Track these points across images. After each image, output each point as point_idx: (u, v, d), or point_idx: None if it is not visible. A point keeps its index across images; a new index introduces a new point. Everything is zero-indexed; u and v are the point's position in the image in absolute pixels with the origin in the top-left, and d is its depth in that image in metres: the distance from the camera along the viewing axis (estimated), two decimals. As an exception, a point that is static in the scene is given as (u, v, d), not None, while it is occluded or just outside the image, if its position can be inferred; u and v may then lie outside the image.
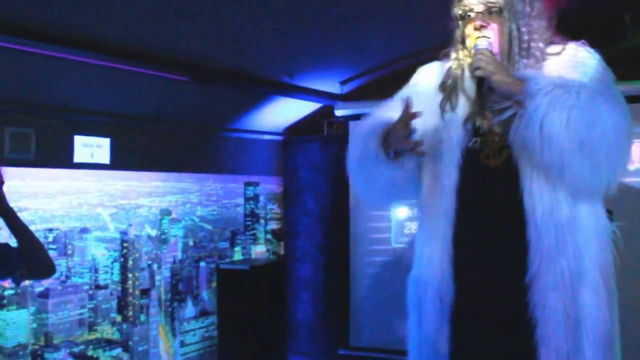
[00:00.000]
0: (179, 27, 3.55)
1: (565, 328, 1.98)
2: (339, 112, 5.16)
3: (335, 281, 5.38)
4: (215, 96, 4.55)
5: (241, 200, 5.38)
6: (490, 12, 2.11)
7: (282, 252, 5.69)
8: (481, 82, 2.07)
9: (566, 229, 1.99)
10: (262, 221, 5.58)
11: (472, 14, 2.13)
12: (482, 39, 2.08)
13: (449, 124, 2.19)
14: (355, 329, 5.14)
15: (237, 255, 5.31)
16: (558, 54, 2.13)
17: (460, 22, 2.20)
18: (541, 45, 2.13)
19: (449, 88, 2.23)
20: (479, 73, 2.02)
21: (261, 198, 5.56)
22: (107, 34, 3.44)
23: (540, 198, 2.00)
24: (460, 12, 2.17)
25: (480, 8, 2.11)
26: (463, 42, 2.19)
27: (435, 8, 3.95)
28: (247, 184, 5.43)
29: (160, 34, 3.59)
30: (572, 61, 2.10)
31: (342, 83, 5.07)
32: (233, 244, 5.28)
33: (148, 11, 3.32)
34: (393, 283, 4.94)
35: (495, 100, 2.07)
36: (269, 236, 5.63)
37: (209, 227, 5.04)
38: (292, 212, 5.68)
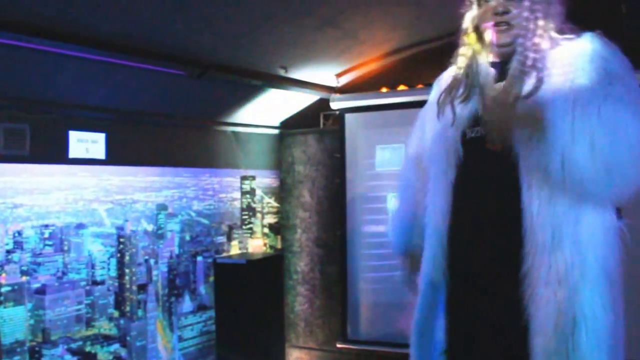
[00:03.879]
0: (174, 22, 3.52)
1: (555, 323, 1.90)
2: (334, 105, 5.15)
3: (333, 275, 5.38)
4: (210, 90, 4.52)
5: (237, 194, 5.35)
6: None
7: (279, 246, 5.67)
8: (502, 68, 2.01)
9: (564, 223, 1.92)
10: (258, 215, 5.55)
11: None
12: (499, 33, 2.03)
13: (449, 121, 2.17)
14: (353, 322, 5.14)
15: (234, 250, 5.29)
16: (572, 39, 2.04)
17: (475, 7, 2.12)
18: (554, 32, 2.05)
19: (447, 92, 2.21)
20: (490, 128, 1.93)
21: (258, 192, 5.54)
22: (101, 29, 3.40)
23: (539, 191, 1.93)
24: None
25: None
26: (476, 28, 2.12)
27: (430, 0, 3.94)
28: (244, 178, 5.41)
29: (156, 28, 3.56)
30: (590, 54, 1.97)
31: (338, 76, 5.04)
32: (230, 238, 5.26)
33: (143, 5, 3.29)
34: (390, 276, 4.94)
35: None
36: (265, 230, 5.61)
37: (206, 221, 5.01)
38: (288, 206, 5.66)
